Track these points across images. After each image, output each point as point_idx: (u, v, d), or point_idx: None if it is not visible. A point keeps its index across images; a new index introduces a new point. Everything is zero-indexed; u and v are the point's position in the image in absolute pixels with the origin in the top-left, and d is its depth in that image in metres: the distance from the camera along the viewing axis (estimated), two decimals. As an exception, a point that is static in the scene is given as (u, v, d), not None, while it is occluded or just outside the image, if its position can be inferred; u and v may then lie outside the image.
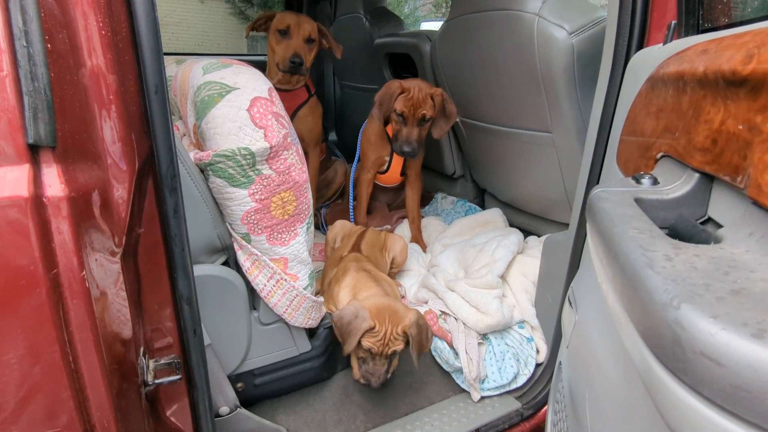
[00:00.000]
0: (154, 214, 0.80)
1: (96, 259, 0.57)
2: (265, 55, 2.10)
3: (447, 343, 1.44)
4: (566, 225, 1.27)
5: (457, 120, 2.03)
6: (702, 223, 0.54)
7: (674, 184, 0.56)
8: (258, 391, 1.27)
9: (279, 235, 1.11)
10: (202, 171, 1.04)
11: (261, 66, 1.37)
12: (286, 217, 1.10)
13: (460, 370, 1.40)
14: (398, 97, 1.80)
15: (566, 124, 1.50)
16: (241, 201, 1.04)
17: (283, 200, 1.08)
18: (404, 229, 2.16)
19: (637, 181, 0.61)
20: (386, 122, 1.96)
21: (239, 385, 1.23)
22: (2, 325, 0.50)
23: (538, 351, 1.46)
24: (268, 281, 1.13)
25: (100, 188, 0.61)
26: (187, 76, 1.11)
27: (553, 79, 1.43)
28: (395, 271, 1.80)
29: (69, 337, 0.53)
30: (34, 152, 0.49)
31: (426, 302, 1.59)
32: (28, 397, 0.53)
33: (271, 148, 1.00)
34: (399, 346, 1.22)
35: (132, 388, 0.70)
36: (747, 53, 0.43)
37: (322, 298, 1.30)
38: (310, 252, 1.21)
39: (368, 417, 1.32)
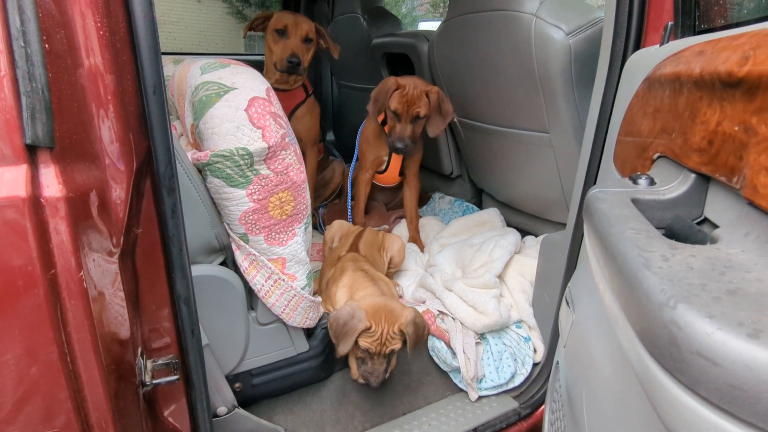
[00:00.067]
0: (152, 214, 0.80)
1: (94, 260, 0.57)
2: (263, 54, 2.10)
3: (445, 342, 1.44)
4: (563, 225, 1.27)
5: (455, 120, 2.03)
6: (698, 224, 0.54)
7: (671, 185, 0.56)
8: (256, 391, 1.27)
9: (277, 235, 1.11)
10: (199, 171, 1.04)
11: (258, 66, 1.37)
12: (284, 217, 1.10)
13: (457, 370, 1.40)
14: (393, 93, 1.80)
15: (563, 124, 1.50)
16: (238, 201, 1.04)
17: (281, 200, 1.08)
18: (402, 228, 2.16)
19: (634, 181, 0.61)
20: (386, 122, 1.96)
21: (237, 385, 1.23)
22: (0, 325, 0.50)
23: (535, 350, 1.46)
24: (266, 281, 1.13)
25: (98, 188, 0.61)
26: (185, 76, 1.11)
27: (551, 79, 1.44)
28: (393, 270, 1.80)
29: (67, 337, 0.53)
30: (31, 152, 0.49)
31: (424, 302, 1.59)
32: (26, 398, 0.53)
33: (268, 148, 1.00)
34: (397, 345, 1.22)
35: (130, 388, 0.70)
36: (743, 55, 0.43)
37: (320, 298, 1.30)
38: (308, 252, 1.20)
39: (366, 417, 1.32)
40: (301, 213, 1.13)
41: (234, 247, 1.12)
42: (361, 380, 1.25)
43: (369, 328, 1.19)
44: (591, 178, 1.09)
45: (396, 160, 2.07)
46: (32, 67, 0.48)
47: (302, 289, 1.18)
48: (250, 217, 1.06)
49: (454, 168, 2.30)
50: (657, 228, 0.48)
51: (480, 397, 1.38)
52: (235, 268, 1.15)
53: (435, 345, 1.45)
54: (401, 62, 2.26)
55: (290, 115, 2.06)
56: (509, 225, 2.06)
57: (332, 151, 2.92)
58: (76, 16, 0.60)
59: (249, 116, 0.99)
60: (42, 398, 0.53)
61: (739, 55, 0.43)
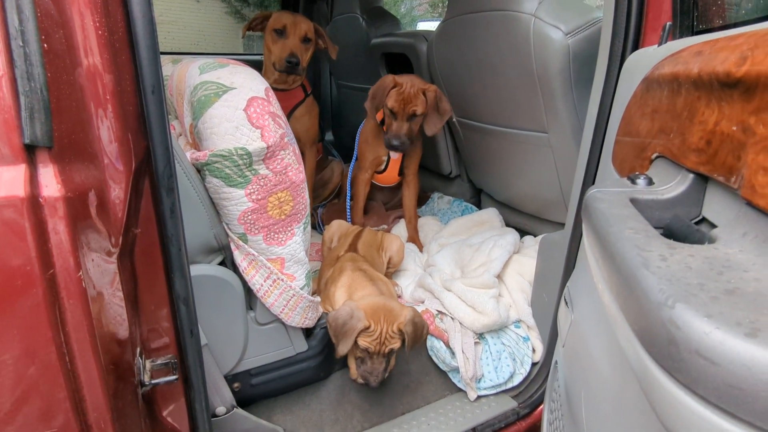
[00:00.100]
0: (151, 214, 0.80)
1: (92, 260, 0.57)
2: (262, 54, 2.10)
3: (444, 342, 1.44)
4: (562, 225, 1.27)
5: (454, 120, 2.03)
6: (696, 224, 0.54)
7: (669, 185, 0.57)
8: (255, 391, 1.27)
9: (276, 235, 1.11)
10: (198, 171, 1.04)
11: (257, 66, 1.37)
12: (283, 217, 1.10)
13: (456, 370, 1.40)
14: (390, 91, 1.80)
15: (562, 124, 1.50)
16: (237, 201, 1.04)
17: (279, 200, 1.08)
18: (401, 228, 2.16)
19: (633, 181, 0.61)
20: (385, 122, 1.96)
21: (236, 385, 1.23)
22: (-2, 325, 0.50)
23: (534, 350, 1.46)
24: (264, 281, 1.13)
25: (97, 188, 0.61)
26: (184, 76, 1.11)
27: (549, 79, 1.44)
28: (392, 270, 1.80)
29: (65, 337, 0.53)
30: (30, 152, 0.49)
31: (423, 302, 1.59)
32: (25, 398, 0.53)
33: (267, 148, 1.00)
34: (396, 345, 1.22)
35: (128, 388, 0.69)
36: (741, 55, 0.43)
37: (318, 298, 1.30)
38: (307, 252, 1.20)
39: (365, 417, 1.32)
40: (299, 213, 1.13)
41: (233, 246, 1.12)
42: (360, 380, 1.25)
43: (368, 328, 1.20)
44: (589, 178, 1.09)
45: (395, 160, 2.07)
46: (31, 66, 0.48)
47: (301, 288, 1.18)
48: (249, 217, 1.06)
49: (453, 168, 2.30)
50: (655, 228, 0.49)
51: (479, 397, 1.39)
52: (234, 268, 1.14)
53: (434, 345, 1.45)
54: (400, 62, 2.26)
55: (289, 115, 2.06)
56: (508, 225, 2.07)
57: (331, 150, 2.91)
58: (74, 16, 0.60)
59: (248, 116, 0.99)
60: (40, 398, 0.53)
61: (737, 55, 0.44)
